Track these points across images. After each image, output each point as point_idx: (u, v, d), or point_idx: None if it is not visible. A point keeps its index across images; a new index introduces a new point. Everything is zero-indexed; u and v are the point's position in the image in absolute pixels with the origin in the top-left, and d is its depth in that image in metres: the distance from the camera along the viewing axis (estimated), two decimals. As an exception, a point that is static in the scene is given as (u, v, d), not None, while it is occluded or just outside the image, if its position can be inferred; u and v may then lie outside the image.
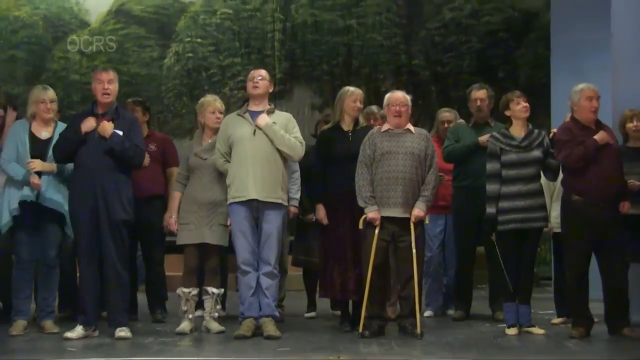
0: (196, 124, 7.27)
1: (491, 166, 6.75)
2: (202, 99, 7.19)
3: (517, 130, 6.77)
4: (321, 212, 6.89)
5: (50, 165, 6.69)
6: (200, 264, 6.84)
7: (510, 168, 6.68)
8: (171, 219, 6.95)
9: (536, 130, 6.80)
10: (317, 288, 7.30)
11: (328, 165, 6.92)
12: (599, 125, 6.70)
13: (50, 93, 6.87)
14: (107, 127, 6.46)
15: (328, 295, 7.07)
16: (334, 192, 6.84)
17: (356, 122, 6.98)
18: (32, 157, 6.65)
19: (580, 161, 6.60)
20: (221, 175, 6.75)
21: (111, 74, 6.67)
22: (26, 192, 6.63)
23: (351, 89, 7.02)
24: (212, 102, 7.01)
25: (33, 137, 6.77)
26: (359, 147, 6.71)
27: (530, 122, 6.90)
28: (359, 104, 6.96)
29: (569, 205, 6.69)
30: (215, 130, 6.87)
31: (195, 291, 6.78)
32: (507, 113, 6.84)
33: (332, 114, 7.28)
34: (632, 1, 7.77)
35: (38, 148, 6.72)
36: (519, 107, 6.77)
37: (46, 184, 6.66)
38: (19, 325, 6.65)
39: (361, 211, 6.62)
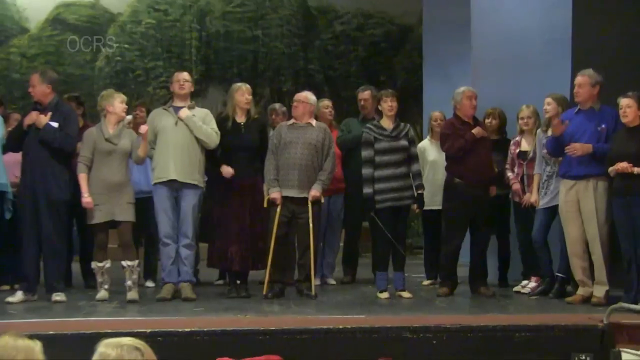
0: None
1: (366, 153, 6.54)
2: (107, 91, 6.70)
3: (387, 123, 6.59)
4: (226, 169, 6.43)
5: None
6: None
7: (384, 154, 6.49)
8: (87, 199, 6.26)
9: (402, 123, 6.63)
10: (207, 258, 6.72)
11: (223, 153, 6.55)
12: (476, 121, 6.71)
13: None
14: (41, 120, 6.15)
15: (218, 266, 6.82)
16: (225, 179, 6.49)
17: (248, 114, 6.64)
18: None
19: (460, 151, 6.60)
20: (126, 159, 6.34)
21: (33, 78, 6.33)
22: None
23: (239, 84, 6.74)
24: (119, 93, 6.53)
25: None
26: (250, 138, 6.52)
27: (405, 118, 6.87)
28: (247, 97, 6.59)
29: (452, 187, 6.68)
30: (120, 119, 6.38)
31: (108, 264, 6.28)
32: (379, 107, 6.65)
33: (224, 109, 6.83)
34: (488, 20, 7.88)
35: None
36: (386, 105, 6.58)
37: None
38: None
39: (250, 195, 6.47)
